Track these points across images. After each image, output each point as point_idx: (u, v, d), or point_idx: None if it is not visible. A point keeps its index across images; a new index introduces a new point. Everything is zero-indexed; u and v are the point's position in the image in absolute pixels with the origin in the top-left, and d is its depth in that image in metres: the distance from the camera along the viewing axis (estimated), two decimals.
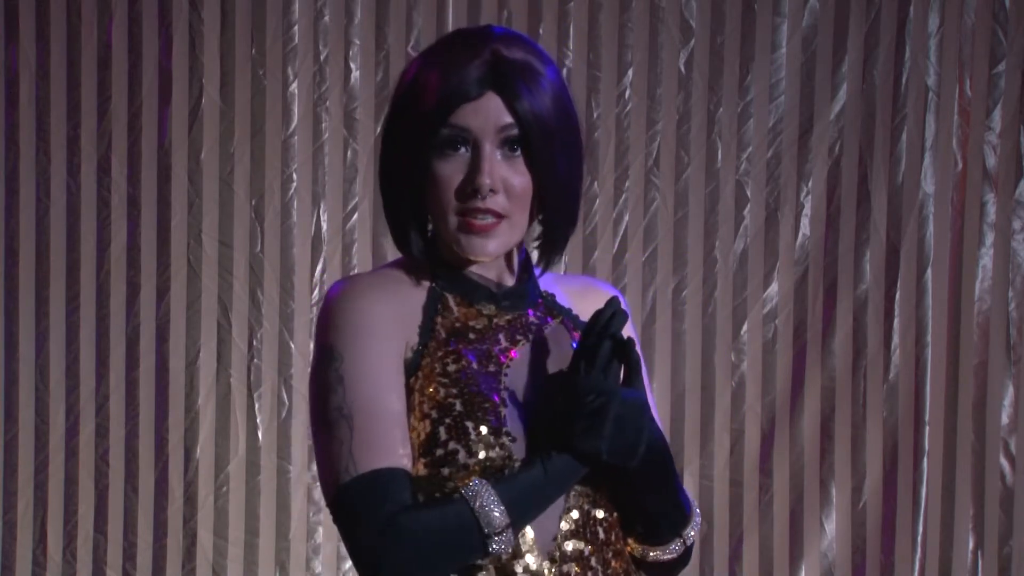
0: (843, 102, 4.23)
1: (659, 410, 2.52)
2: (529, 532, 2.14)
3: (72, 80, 4.20)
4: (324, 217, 4.21)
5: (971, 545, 4.24)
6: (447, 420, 2.13)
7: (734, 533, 4.24)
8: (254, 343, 4.19)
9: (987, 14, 4.22)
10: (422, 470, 2.14)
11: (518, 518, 2.09)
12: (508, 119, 2.15)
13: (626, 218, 4.23)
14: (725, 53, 4.23)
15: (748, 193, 4.24)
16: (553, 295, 2.31)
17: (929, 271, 4.23)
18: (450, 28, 4.18)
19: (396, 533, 2.06)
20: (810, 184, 4.24)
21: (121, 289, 4.20)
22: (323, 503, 4.13)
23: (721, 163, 4.23)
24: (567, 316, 2.29)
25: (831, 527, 4.24)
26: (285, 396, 4.20)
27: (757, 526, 4.23)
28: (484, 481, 2.09)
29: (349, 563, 4.17)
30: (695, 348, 4.23)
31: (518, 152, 2.17)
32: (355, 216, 4.21)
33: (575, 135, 2.22)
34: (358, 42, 4.21)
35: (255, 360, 4.19)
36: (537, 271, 2.29)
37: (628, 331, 2.25)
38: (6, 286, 4.21)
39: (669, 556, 2.26)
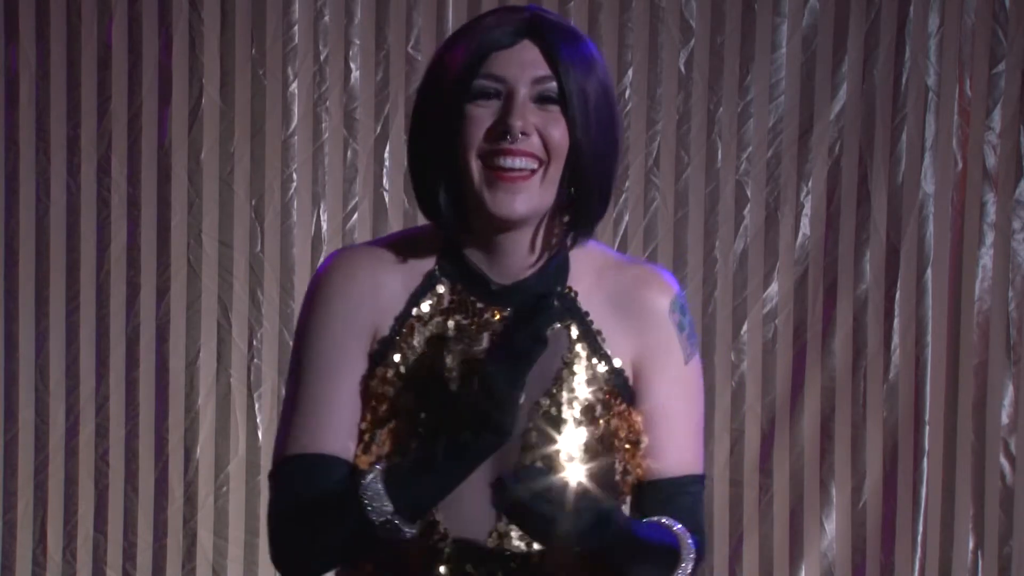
0: (843, 102, 4.23)
1: None
2: None
3: (72, 80, 4.19)
4: (324, 217, 4.21)
5: (971, 545, 4.24)
6: (388, 425, 2.08)
7: (734, 533, 4.24)
8: (254, 343, 4.19)
9: (987, 14, 4.22)
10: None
11: (407, 505, 2.00)
12: (544, 70, 2.06)
13: (626, 218, 4.23)
14: (725, 53, 4.23)
15: (748, 193, 4.24)
16: (576, 294, 2.13)
17: (929, 271, 4.23)
18: (450, 28, 4.17)
19: (286, 519, 2.06)
20: (810, 184, 4.24)
21: (121, 289, 4.20)
22: None
23: (721, 163, 4.23)
24: (579, 322, 2.11)
25: (831, 527, 4.23)
26: None
27: (757, 526, 4.23)
28: (376, 469, 2.01)
29: None
30: None
31: (555, 107, 2.06)
32: (355, 216, 4.21)
33: (612, 109, 2.11)
34: (358, 42, 4.21)
35: (255, 360, 4.19)
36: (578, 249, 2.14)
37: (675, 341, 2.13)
38: (6, 286, 4.21)
39: None
